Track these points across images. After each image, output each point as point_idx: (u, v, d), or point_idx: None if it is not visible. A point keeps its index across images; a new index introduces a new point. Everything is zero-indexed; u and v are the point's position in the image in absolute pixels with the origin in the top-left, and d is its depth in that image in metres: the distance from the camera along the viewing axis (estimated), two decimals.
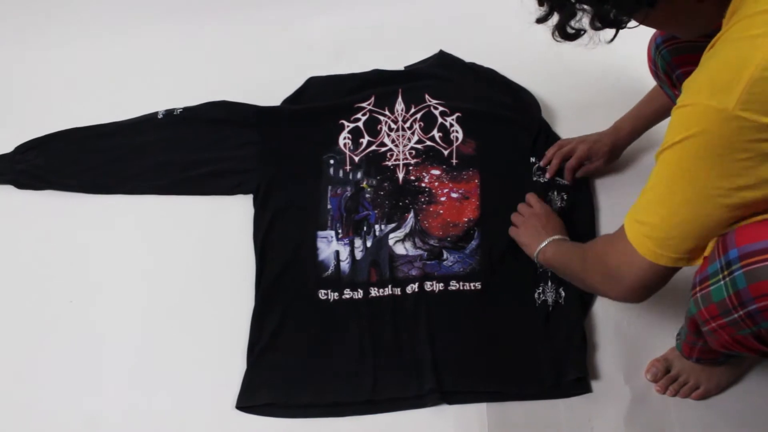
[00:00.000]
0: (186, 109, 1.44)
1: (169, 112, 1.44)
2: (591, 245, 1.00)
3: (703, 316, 0.83)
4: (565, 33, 0.79)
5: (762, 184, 0.73)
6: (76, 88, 1.55)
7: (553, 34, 0.80)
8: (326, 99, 1.45)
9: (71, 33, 1.64)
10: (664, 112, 1.22)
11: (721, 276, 0.77)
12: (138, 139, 1.43)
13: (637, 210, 0.84)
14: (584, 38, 0.79)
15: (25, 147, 1.43)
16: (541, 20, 0.79)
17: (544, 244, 1.13)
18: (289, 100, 1.45)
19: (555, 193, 1.29)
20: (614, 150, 1.30)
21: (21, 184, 1.41)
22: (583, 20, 0.77)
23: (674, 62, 1.06)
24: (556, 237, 1.14)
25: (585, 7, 0.76)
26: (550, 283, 1.20)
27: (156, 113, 1.44)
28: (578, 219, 1.27)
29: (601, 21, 0.75)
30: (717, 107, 0.70)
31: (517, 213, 1.24)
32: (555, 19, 0.79)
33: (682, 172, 0.76)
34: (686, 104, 0.74)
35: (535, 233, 1.17)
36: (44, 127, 1.45)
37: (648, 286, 0.86)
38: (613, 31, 0.77)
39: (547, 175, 1.31)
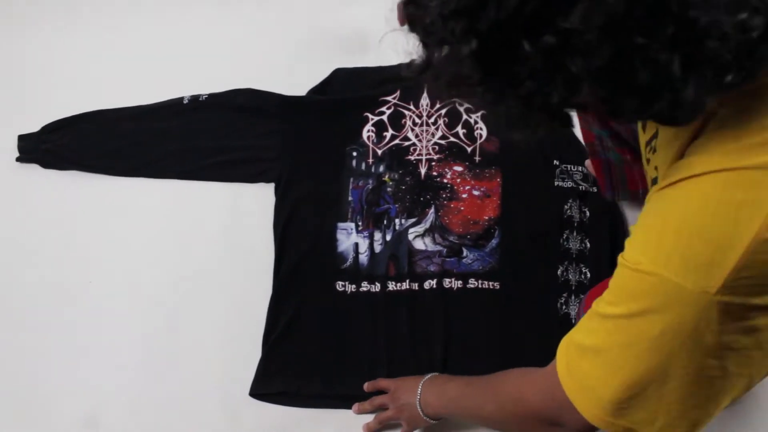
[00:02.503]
0: (211, 96, 1.44)
1: (194, 98, 1.44)
2: (504, 389, 0.82)
3: None
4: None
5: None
6: (103, 71, 1.56)
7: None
8: (352, 91, 1.44)
9: (99, 14, 1.65)
10: None
11: None
12: (163, 124, 1.43)
13: (575, 367, 0.68)
14: None
15: (51, 127, 1.44)
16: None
17: (419, 395, 0.99)
18: (314, 91, 1.45)
19: (576, 201, 1.27)
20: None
21: (46, 164, 1.42)
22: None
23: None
24: (425, 378, 1.01)
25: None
26: (573, 297, 1.19)
27: (181, 98, 1.44)
28: (600, 236, 1.24)
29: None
30: (692, 290, 0.55)
31: (385, 414, 1.09)
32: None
33: (642, 349, 0.61)
34: (648, 271, 0.58)
35: (408, 397, 1.02)
36: (71, 108, 1.46)
37: None
38: None
39: None
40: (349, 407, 1.14)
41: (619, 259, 0.63)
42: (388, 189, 1.32)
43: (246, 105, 1.42)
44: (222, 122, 1.41)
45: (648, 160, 0.73)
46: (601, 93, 0.49)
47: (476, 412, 0.90)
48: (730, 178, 0.54)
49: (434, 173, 1.33)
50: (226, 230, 1.33)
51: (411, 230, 1.28)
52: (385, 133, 1.37)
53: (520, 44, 0.46)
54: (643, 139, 0.77)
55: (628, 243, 0.63)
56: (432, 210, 1.29)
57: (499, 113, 0.53)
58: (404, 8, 0.54)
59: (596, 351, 0.65)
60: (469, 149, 1.34)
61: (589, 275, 1.22)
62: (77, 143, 1.42)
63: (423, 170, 1.33)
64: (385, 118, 1.38)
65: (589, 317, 0.67)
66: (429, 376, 1.03)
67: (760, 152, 0.53)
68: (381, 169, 1.34)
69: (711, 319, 0.56)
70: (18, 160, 1.42)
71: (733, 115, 0.55)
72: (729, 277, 0.54)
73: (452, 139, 1.36)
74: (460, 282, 1.22)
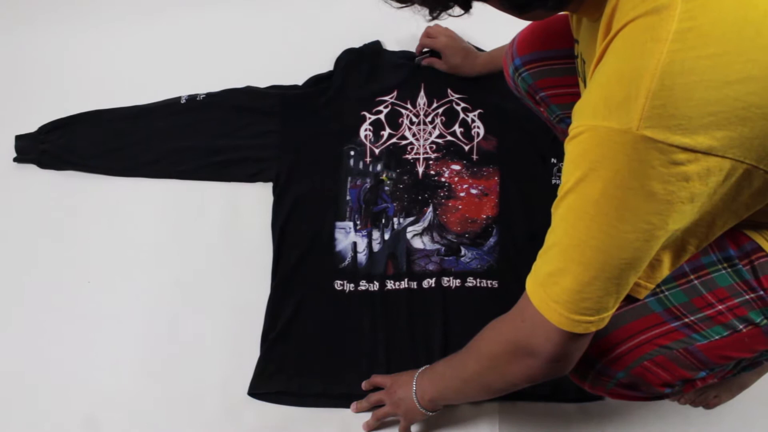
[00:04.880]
0: (209, 95, 1.44)
1: (192, 98, 1.44)
2: (480, 337, 0.86)
3: (575, 381, 0.83)
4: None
5: (693, 225, 0.65)
6: (101, 71, 1.56)
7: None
8: (351, 79, 1.44)
9: (98, 15, 1.64)
10: None
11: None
12: (160, 124, 1.43)
13: (540, 272, 0.71)
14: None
15: (48, 127, 1.44)
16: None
17: (415, 387, 1.01)
18: (317, 78, 1.45)
19: None
20: (465, 66, 1.37)
21: (43, 164, 1.42)
22: None
23: (537, 85, 1.04)
24: (419, 371, 1.03)
25: None
26: None
27: (179, 98, 1.44)
28: None
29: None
30: (618, 128, 0.58)
31: (382, 410, 1.10)
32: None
33: (590, 216, 0.63)
34: (581, 131, 0.62)
35: (403, 391, 1.03)
36: (68, 109, 1.46)
37: (570, 356, 0.74)
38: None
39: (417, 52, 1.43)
40: (348, 406, 1.14)
41: (564, 143, 0.67)
42: (386, 188, 1.32)
43: (243, 104, 1.42)
44: (219, 122, 1.41)
45: None
46: None
47: (460, 375, 0.91)
48: (631, 28, 0.60)
49: (432, 172, 1.33)
50: (224, 230, 1.33)
51: (409, 229, 1.28)
52: (382, 132, 1.37)
53: None
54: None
55: (570, 125, 0.66)
56: (430, 209, 1.29)
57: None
58: None
59: (554, 245, 0.69)
60: (466, 148, 1.34)
61: None
62: (75, 143, 1.42)
63: (420, 169, 1.33)
64: (382, 117, 1.38)
65: (551, 220, 0.70)
66: (423, 368, 1.03)
67: (649, 1, 0.58)
68: (379, 168, 1.34)
69: (643, 161, 0.58)
70: (15, 160, 1.42)
71: None
72: (645, 106, 0.57)
73: (449, 137, 1.36)
74: (458, 281, 1.22)
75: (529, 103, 1.12)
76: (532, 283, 0.73)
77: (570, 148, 0.65)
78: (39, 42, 1.61)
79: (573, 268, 0.67)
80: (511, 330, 0.78)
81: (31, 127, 1.44)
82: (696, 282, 0.78)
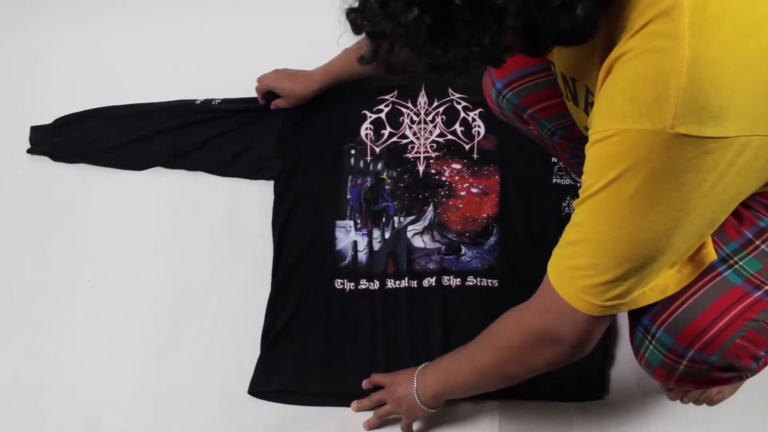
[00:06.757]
0: (224, 101, 1.44)
1: (207, 101, 1.44)
2: (497, 328, 0.87)
3: (659, 378, 0.83)
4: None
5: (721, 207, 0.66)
6: (116, 68, 1.56)
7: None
8: (350, 88, 1.44)
9: (114, 12, 1.64)
10: (353, 69, 1.23)
11: (647, 342, 0.78)
12: (171, 122, 1.43)
13: (564, 265, 0.73)
14: None
15: (63, 120, 1.46)
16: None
17: (416, 384, 1.01)
18: None
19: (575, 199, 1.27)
20: (298, 86, 1.34)
21: (56, 157, 1.44)
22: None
23: (523, 103, 1.02)
24: (420, 368, 1.03)
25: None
26: None
27: (194, 101, 1.44)
28: None
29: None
30: (653, 129, 0.59)
31: (383, 409, 1.10)
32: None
33: (622, 214, 0.65)
34: (609, 134, 0.63)
35: (404, 389, 1.03)
36: (83, 103, 1.47)
37: (593, 339, 0.77)
38: None
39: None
40: (348, 405, 1.14)
41: (586, 147, 0.67)
42: (387, 187, 1.32)
43: (251, 107, 1.42)
44: (225, 120, 1.42)
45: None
46: (521, 19, 0.57)
47: (473, 368, 0.91)
48: (643, 34, 0.60)
49: (432, 171, 1.32)
50: (225, 228, 1.34)
51: (410, 228, 1.28)
52: (383, 131, 1.37)
53: (451, 1, 0.55)
54: (580, 116, 0.82)
55: (590, 130, 0.67)
56: (431, 207, 1.29)
57: (443, 65, 0.61)
58: (348, 16, 0.63)
59: (582, 241, 0.70)
60: (467, 147, 1.34)
61: None
62: (88, 137, 1.44)
63: (421, 168, 1.33)
64: (383, 116, 1.38)
65: (572, 218, 0.72)
66: (423, 365, 1.03)
67: (653, 8, 0.59)
68: (379, 166, 1.34)
69: (678, 157, 0.60)
70: (29, 151, 1.44)
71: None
72: (677, 104, 0.57)
73: (450, 136, 1.35)
74: (458, 280, 1.22)
75: (517, 125, 1.09)
76: (558, 278, 0.74)
77: (595, 151, 0.65)
78: (59, 38, 1.61)
79: (605, 263, 0.68)
80: (535, 321, 0.79)
81: (47, 120, 1.46)
82: (763, 246, 0.78)
